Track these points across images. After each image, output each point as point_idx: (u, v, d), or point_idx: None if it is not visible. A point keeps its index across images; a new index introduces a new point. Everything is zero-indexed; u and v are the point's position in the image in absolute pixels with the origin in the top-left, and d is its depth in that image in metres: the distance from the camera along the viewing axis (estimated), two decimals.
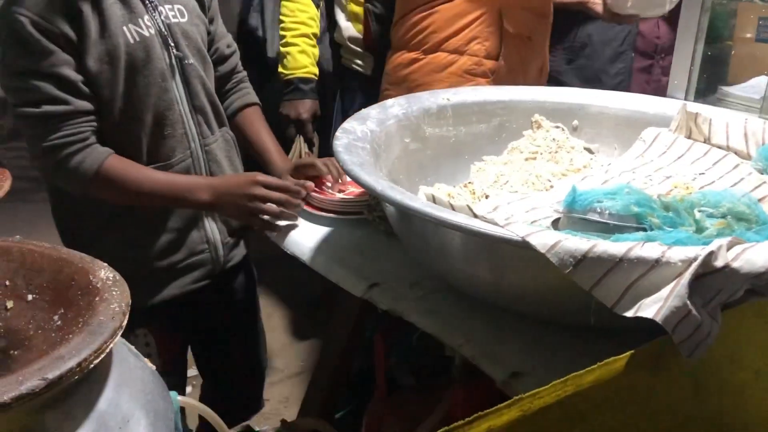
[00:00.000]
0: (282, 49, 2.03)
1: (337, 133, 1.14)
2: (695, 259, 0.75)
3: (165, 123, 1.27)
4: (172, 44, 1.27)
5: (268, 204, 1.23)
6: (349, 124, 1.20)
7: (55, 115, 1.14)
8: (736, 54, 1.90)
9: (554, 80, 2.43)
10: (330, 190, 1.38)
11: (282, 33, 2.05)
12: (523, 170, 1.36)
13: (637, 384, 0.75)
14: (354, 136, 1.13)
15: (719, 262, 0.75)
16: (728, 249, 0.77)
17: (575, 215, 0.90)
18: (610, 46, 2.14)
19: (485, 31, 1.65)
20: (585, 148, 1.41)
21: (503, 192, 1.33)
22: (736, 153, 1.20)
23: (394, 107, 1.31)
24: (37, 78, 1.13)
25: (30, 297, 0.80)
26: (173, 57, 1.28)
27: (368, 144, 1.14)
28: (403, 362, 1.43)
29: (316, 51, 2.08)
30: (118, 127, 1.23)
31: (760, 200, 1.03)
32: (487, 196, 1.33)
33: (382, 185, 0.94)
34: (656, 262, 0.76)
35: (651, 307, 0.75)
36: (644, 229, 0.88)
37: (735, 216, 0.89)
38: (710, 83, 1.74)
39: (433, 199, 0.96)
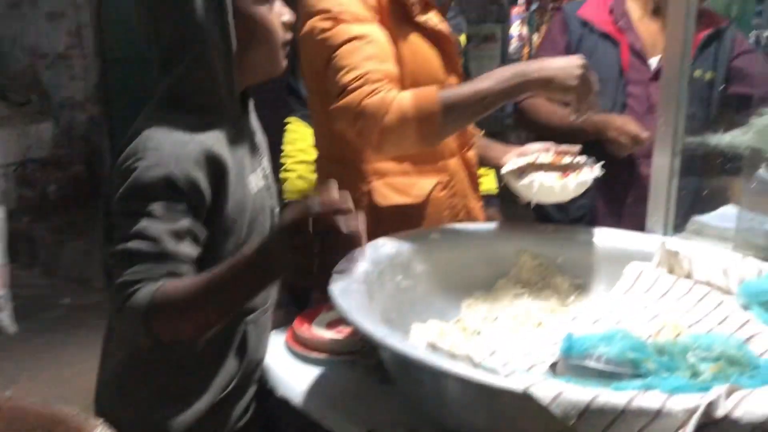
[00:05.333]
0: (281, 175, 2.12)
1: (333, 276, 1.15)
2: (696, 409, 0.76)
3: None
4: (271, 196, 1.30)
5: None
6: (342, 264, 1.22)
7: (143, 253, 1.05)
8: (707, 184, 2.00)
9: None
10: (320, 330, 1.37)
11: (282, 160, 2.16)
12: (512, 305, 1.39)
13: None
14: (349, 278, 1.15)
15: (720, 412, 0.76)
16: (727, 397, 0.79)
17: (573, 362, 0.91)
18: None
19: None
20: (571, 284, 1.44)
21: (494, 328, 1.35)
22: (718, 289, 1.24)
23: (386, 246, 1.34)
24: (144, 217, 1.06)
25: None
26: (271, 207, 1.29)
27: (363, 285, 1.15)
28: None
29: (314, 177, 2.10)
30: None
31: (747, 340, 1.06)
32: (478, 333, 1.34)
33: (382, 332, 0.95)
34: (658, 414, 0.77)
35: None
36: (641, 375, 0.89)
37: (728, 360, 0.91)
38: (687, 215, 1.82)
39: (433, 347, 0.96)
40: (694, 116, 1.49)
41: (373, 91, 1.33)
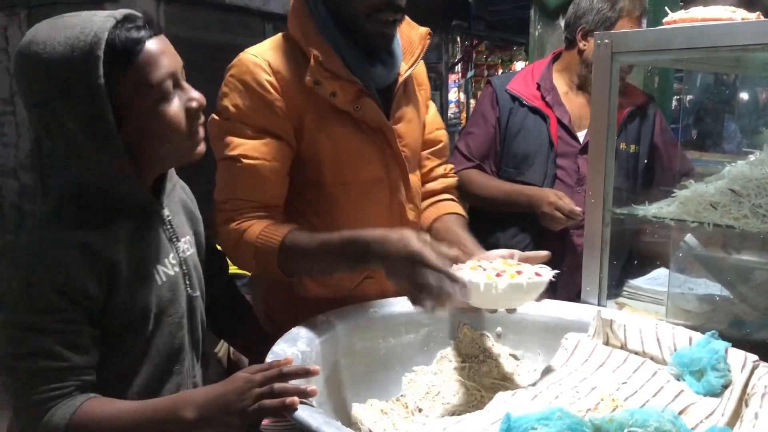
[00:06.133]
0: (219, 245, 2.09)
1: (267, 359, 1.13)
2: None
3: (176, 360, 1.23)
4: (188, 282, 1.26)
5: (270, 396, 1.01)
6: (279, 347, 1.19)
7: (46, 370, 1.03)
8: (638, 250, 2.07)
9: None
10: None
11: None
12: (453, 380, 1.38)
13: None
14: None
15: None
16: None
17: None
18: None
19: None
20: (510, 355, 1.45)
21: (435, 403, 1.33)
22: (652, 358, 1.26)
23: (323, 324, 1.32)
24: (39, 333, 1.03)
25: None
26: (188, 293, 1.26)
27: None
28: None
29: None
30: (135, 370, 1.16)
31: (680, 412, 1.07)
32: (420, 410, 1.33)
33: (318, 421, 0.92)
34: None
35: None
36: None
37: None
38: (620, 280, 1.87)
39: None
40: (622, 187, 1.54)
41: (228, 219, 1.37)
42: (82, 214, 1.11)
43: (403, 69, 1.50)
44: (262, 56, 1.41)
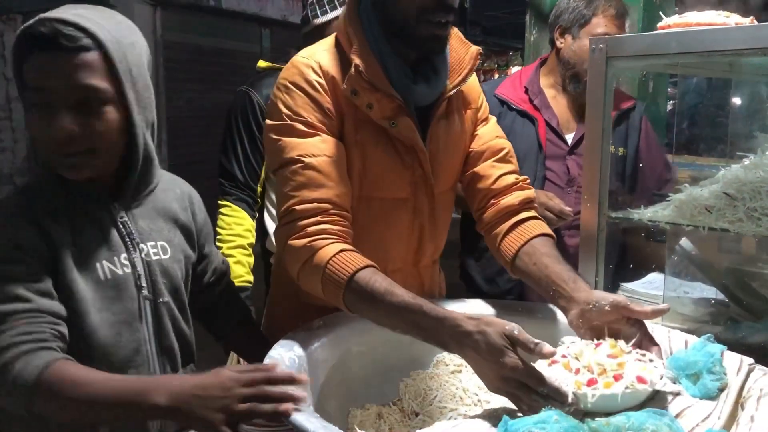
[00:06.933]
0: None
1: (265, 363, 1.13)
2: None
3: (130, 365, 1.20)
4: (144, 285, 1.23)
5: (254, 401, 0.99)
6: (276, 351, 1.19)
7: (10, 313, 1.03)
8: (633, 253, 2.07)
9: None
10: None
11: (219, 245, 2.13)
12: (450, 384, 1.38)
13: None
14: (282, 366, 1.12)
15: None
16: None
17: None
18: None
19: None
20: None
21: (433, 408, 1.33)
22: (648, 362, 1.26)
23: (320, 329, 1.32)
24: (1, 280, 1.06)
25: None
26: (143, 297, 1.24)
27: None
28: None
29: (251, 260, 2.20)
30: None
31: (677, 416, 1.08)
32: (417, 414, 1.33)
33: (315, 425, 0.92)
34: None
35: None
36: None
37: None
38: (615, 282, 1.87)
39: None
40: (611, 189, 1.54)
41: (296, 231, 1.28)
42: (35, 198, 1.17)
43: (447, 88, 1.43)
44: (313, 57, 1.38)
